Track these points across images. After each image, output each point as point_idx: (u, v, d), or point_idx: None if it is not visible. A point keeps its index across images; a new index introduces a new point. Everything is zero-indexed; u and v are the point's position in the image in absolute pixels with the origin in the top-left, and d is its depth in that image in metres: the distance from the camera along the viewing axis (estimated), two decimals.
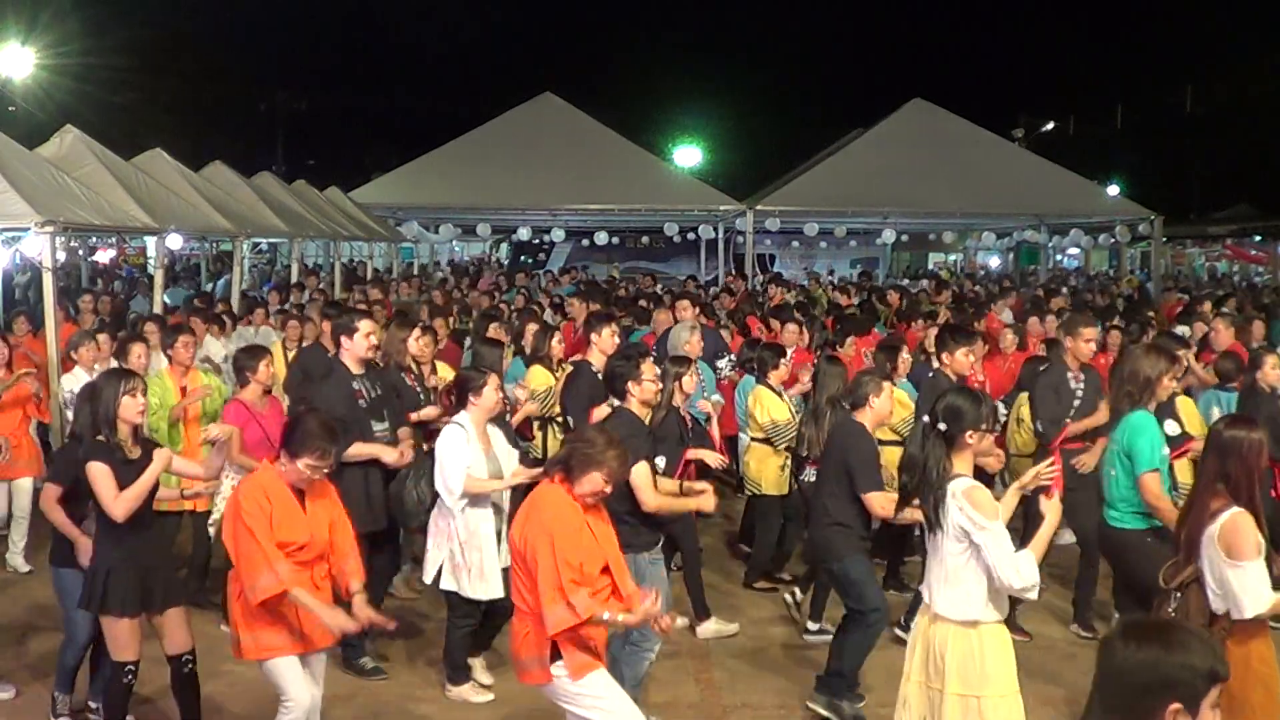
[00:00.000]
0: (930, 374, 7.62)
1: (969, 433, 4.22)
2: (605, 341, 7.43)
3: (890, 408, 6.25)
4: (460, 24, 52.63)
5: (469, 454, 5.81)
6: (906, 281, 25.95)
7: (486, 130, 25.11)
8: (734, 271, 25.43)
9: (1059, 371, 7.31)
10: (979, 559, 4.12)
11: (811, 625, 7.06)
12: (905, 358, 8.13)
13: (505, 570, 5.74)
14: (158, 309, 11.48)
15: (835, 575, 6.02)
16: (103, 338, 8.38)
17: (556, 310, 13.58)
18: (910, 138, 24.14)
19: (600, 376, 6.98)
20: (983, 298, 16.58)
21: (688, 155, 44.89)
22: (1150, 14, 45.16)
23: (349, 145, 44.89)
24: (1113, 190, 31.83)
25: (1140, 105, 46.31)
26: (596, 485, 4.40)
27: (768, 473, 7.78)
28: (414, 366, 7.60)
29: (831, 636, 6.98)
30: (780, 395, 7.85)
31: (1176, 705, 2.26)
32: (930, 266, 37.40)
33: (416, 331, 7.69)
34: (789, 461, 7.69)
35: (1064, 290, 19.21)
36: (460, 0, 52.18)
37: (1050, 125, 46.78)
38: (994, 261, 36.46)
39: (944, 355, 7.28)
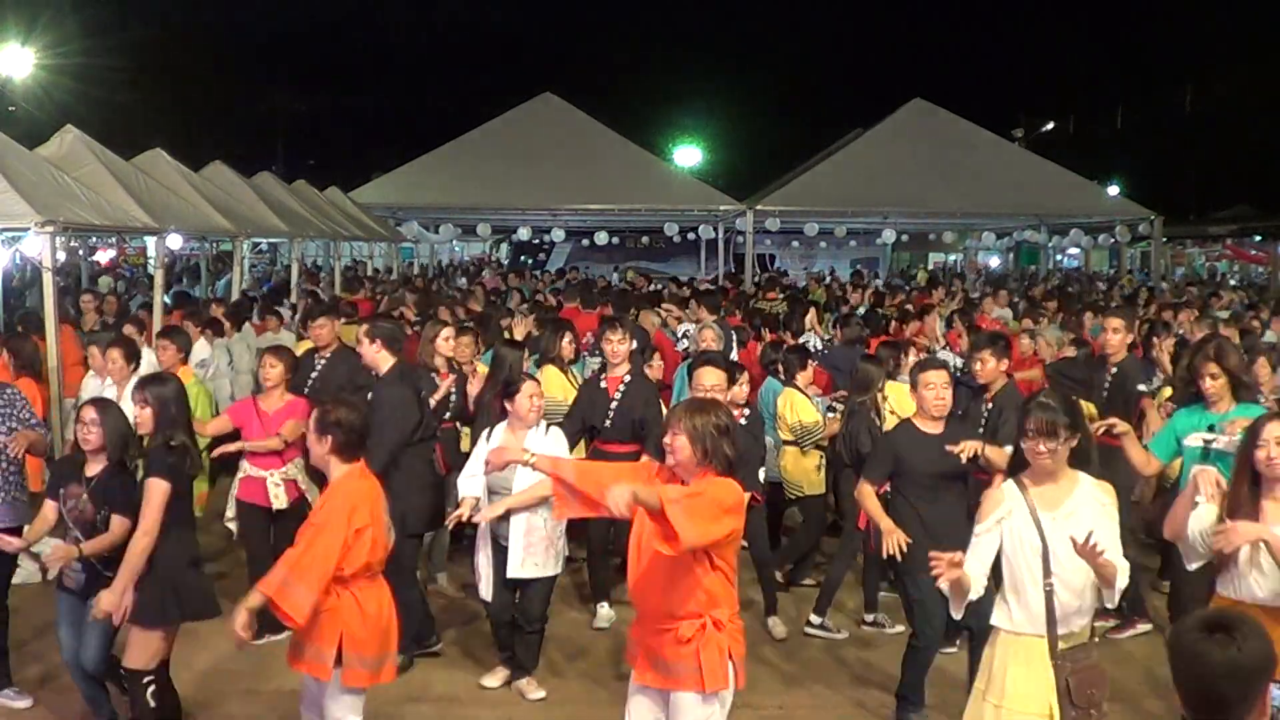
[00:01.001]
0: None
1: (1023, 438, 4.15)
2: (615, 349, 7.11)
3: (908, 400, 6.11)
4: (460, 24, 52.59)
5: (475, 461, 6.00)
6: (880, 283, 25.91)
7: (486, 130, 25.13)
8: (733, 271, 25.47)
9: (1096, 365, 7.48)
10: (1000, 563, 4.16)
11: (814, 619, 7.04)
12: (908, 360, 8.13)
13: (513, 581, 5.88)
14: (158, 309, 11.48)
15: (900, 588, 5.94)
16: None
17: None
18: (910, 138, 24.17)
19: (606, 393, 6.94)
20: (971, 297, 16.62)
21: (688, 155, 44.96)
22: (1150, 14, 45.16)
23: (349, 145, 44.89)
24: (1113, 190, 31.86)
25: (1140, 105, 46.36)
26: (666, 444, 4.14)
27: (806, 473, 7.75)
28: (453, 367, 7.53)
29: (834, 634, 7.00)
30: (808, 398, 7.89)
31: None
32: (930, 266, 37.42)
33: (448, 331, 7.56)
34: (822, 460, 7.74)
35: (1061, 290, 19.18)
36: (460, 0, 52.20)
37: (1050, 125, 46.82)
38: (994, 261, 36.49)
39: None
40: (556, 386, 7.63)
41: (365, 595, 4.48)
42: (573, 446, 6.61)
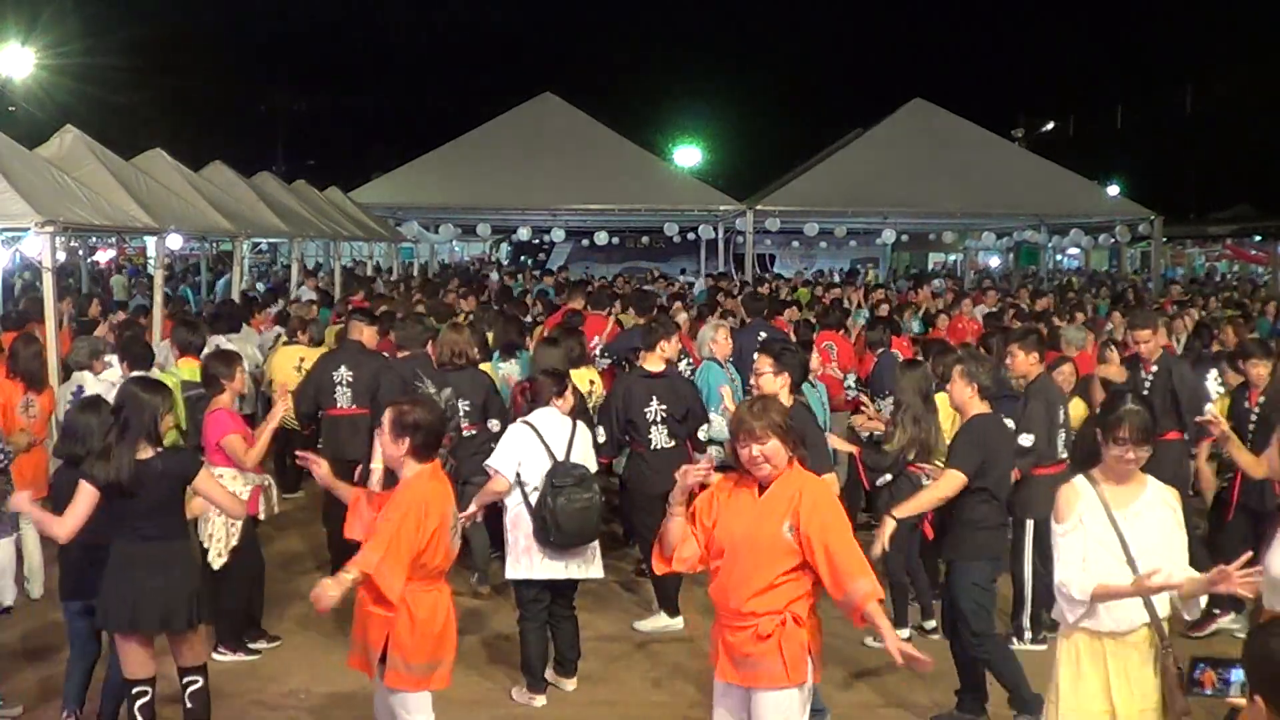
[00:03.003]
0: None
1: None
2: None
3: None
4: (460, 24, 52.60)
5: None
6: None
7: (486, 130, 25.13)
8: (732, 271, 25.45)
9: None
10: None
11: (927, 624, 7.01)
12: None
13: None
14: (158, 309, 11.48)
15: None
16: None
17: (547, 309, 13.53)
18: (910, 138, 24.18)
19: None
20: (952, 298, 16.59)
21: (688, 155, 44.89)
22: (1150, 14, 45.19)
23: (349, 145, 44.89)
24: (1113, 190, 31.84)
25: (1140, 105, 46.35)
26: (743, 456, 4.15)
27: None
28: None
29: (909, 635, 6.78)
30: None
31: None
32: (930, 266, 37.41)
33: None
34: None
35: (1053, 292, 19.18)
36: (460, 0, 52.22)
37: (1050, 125, 46.80)
38: (994, 261, 36.45)
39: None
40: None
41: (418, 600, 4.37)
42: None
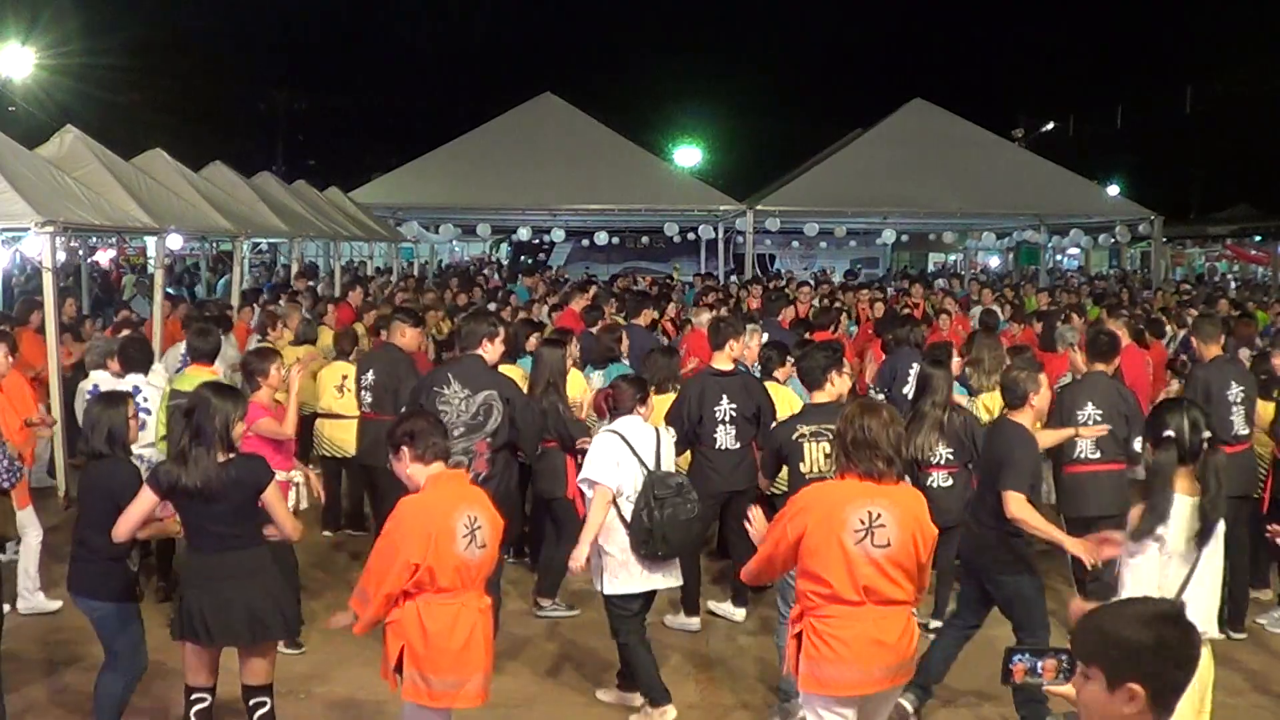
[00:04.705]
0: None
1: None
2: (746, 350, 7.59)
3: (1049, 402, 5.99)
4: (460, 24, 52.63)
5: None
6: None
7: (486, 130, 25.14)
8: (733, 271, 25.45)
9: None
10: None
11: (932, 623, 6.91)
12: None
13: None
14: (158, 309, 11.47)
15: (1002, 589, 5.64)
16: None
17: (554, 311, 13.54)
18: (910, 138, 24.18)
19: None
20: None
21: (688, 155, 44.88)
22: (1150, 14, 45.17)
23: (349, 145, 44.82)
24: (1113, 190, 31.85)
25: (1140, 105, 46.29)
26: None
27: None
28: None
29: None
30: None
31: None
32: (930, 267, 37.42)
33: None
34: None
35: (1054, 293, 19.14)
36: (460, 0, 52.21)
37: (1050, 125, 46.78)
38: (994, 261, 36.46)
39: None
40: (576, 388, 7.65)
41: (432, 612, 4.29)
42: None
